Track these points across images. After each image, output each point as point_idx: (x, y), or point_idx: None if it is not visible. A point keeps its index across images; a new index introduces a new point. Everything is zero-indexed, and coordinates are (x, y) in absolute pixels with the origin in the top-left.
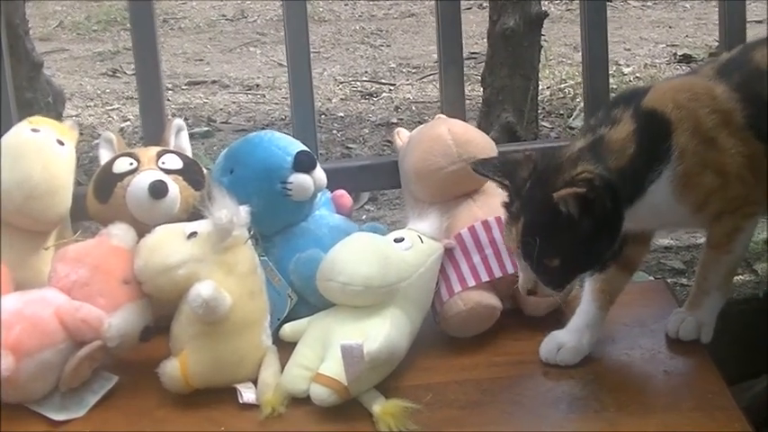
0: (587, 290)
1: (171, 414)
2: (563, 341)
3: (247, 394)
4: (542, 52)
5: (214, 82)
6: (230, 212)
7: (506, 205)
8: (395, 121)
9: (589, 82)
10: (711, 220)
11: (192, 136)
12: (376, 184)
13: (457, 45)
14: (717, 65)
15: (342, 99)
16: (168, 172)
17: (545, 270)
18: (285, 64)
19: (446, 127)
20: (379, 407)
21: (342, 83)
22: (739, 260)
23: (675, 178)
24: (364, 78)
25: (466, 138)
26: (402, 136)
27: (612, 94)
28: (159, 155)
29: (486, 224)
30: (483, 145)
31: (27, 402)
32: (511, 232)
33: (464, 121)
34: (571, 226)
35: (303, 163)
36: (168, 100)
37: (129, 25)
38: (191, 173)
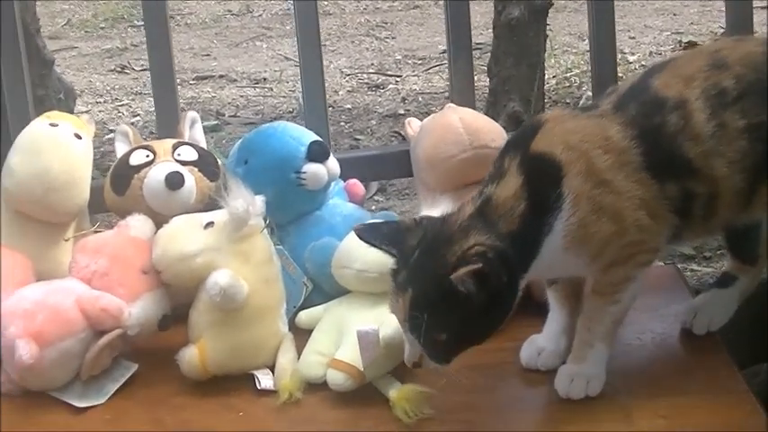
0: (552, 298)
1: (189, 401)
2: (542, 346)
3: (265, 380)
4: (548, 42)
5: (221, 76)
6: (246, 202)
7: (393, 273)
8: (402, 112)
9: (596, 70)
10: (599, 270)
11: None
12: (386, 174)
13: (466, 34)
14: (616, 97)
15: (349, 91)
16: (184, 163)
17: (433, 344)
18: (291, 58)
19: (457, 115)
20: (395, 391)
21: (348, 75)
22: (626, 310)
23: (570, 229)
24: (371, 70)
25: (476, 126)
26: (413, 125)
27: (620, 83)
28: (175, 147)
29: None
30: (493, 132)
31: (49, 390)
32: (397, 302)
33: (474, 108)
34: (464, 302)
35: (317, 153)
36: None
37: (135, 22)
38: (206, 164)
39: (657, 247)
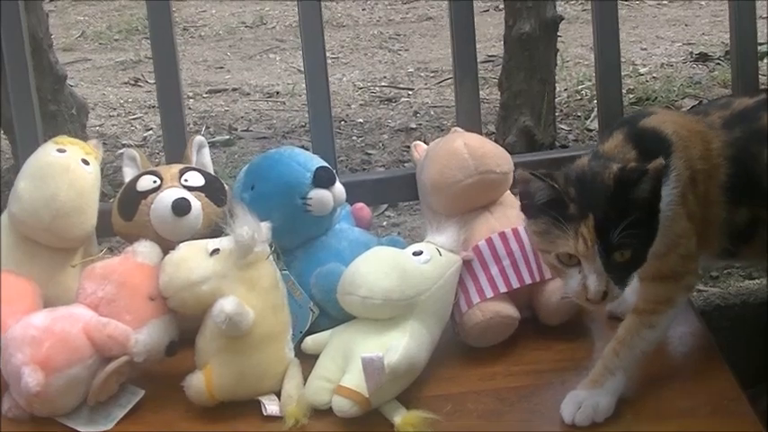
0: None
1: (196, 427)
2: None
3: (271, 406)
4: (559, 55)
5: (235, 89)
6: (251, 229)
7: (559, 212)
8: (413, 126)
9: (602, 86)
10: (653, 278)
11: (213, 144)
12: (393, 197)
13: (471, 58)
14: (727, 114)
15: (361, 105)
16: (191, 189)
17: (617, 267)
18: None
19: (462, 141)
20: (400, 417)
21: (361, 88)
22: (657, 341)
23: (672, 198)
24: (383, 83)
25: (482, 151)
26: (419, 149)
27: (629, 96)
28: (182, 172)
29: (503, 236)
30: (499, 158)
31: (56, 416)
32: (576, 233)
33: (480, 131)
34: (640, 207)
35: (322, 178)
36: (189, 108)
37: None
38: (213, 190)
39: (698, 272)
